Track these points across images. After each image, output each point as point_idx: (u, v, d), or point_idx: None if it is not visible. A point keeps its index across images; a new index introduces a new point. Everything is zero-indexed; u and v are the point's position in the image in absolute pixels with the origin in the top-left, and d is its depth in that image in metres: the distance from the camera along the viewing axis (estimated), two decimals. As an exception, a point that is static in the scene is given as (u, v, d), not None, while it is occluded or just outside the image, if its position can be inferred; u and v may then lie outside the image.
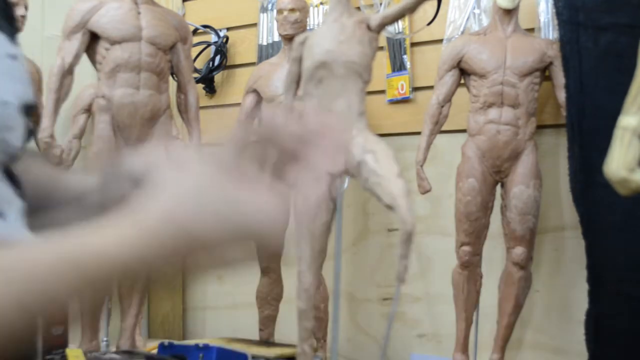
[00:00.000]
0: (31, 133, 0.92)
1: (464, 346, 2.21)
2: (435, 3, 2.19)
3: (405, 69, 2.50)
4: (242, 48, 2.89)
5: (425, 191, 2.19)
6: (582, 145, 1.95)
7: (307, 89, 1.46)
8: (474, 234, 2.16)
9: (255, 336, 2.51)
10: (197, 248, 0.53)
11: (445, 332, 2.42)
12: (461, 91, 2.23)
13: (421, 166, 2.18)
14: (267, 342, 2.43)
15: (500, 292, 2.18)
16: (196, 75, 2.79)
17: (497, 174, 2.15)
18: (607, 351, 1.91)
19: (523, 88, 2.12)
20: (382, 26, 1.45)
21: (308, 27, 2.45)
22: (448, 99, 2.20)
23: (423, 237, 2.48)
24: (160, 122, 2.25)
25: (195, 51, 2.78)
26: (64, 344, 2.10)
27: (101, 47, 2.20)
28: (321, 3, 2.65)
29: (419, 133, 2.23)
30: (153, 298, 3.06)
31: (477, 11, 2.39)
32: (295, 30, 2.34)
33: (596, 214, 1.92)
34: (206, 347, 1.98)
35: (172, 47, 2.30)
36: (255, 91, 2.43)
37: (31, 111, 0.86)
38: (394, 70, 2.53)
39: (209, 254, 0.54)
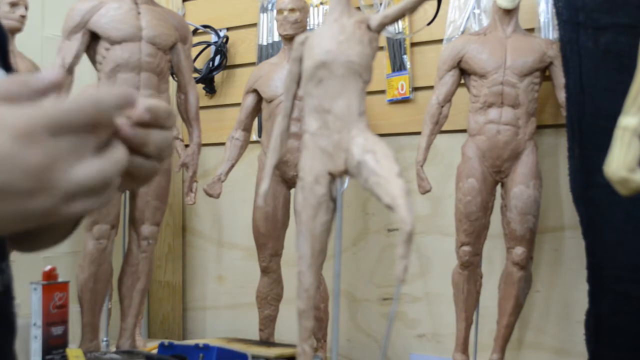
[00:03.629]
0: None
1: (464, 346, 2.21)
2: (435, 3, 2.19)
3: (405, 69, 2.50)
4: (242, 48, 2.89)
5: (425, 191, 2.19)
6: (582, 145, 1.95)
7: (307, 89, 1.46)
8: (474, 234, 2.16)
9: (255, 336, 2.51)
10: None
11: (445, 332, 2.42)
12: (461, 91, 2.23)
13: (421, 166, 2.18)
14: (267, 342, 2.43)
15: (500, 292, 2.18)
16: (196, 75, 2.79)
17: (497, 174, 2.15)
18: (607, 351, 1.91)
19: (523, 88, 2.12)
20: (382, 26, 1.45)
21: (308, 27, 2.45)
22: (448, 99, 2.20)
23: (423, 237, 2.48)
24: (160, 122, 2.25)
25: (195, 51, 2.78)
26: (64, 344, 2.10)
27: (101, 47, 2.20)
28: (321, 3, 2.65)
29: (419, 133, 2.23)
30: (153, 298, 3.06)
31: (477, 11, 2.39)
32: (295, 30, 2.34)
33: (596, 214, 1.91)
34: (206, 347, 1.98)
35: (172, 47, 2.30)
36: (255, 91, 2.43)
37: None
38: (394, 70, 2.53)
39: None
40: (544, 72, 2.16)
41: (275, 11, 2.52)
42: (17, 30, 2.49)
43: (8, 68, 0.97)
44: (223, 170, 2.43)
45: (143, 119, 0.63)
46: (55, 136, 0.53)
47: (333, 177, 1.43)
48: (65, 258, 2.68)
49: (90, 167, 0.55)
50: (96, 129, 0.56)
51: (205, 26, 2.92)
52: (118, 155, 0.58)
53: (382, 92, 2.55)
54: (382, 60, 2.52)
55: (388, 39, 2.51)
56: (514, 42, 2.15)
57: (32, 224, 0.55)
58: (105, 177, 0.56)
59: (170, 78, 2.40)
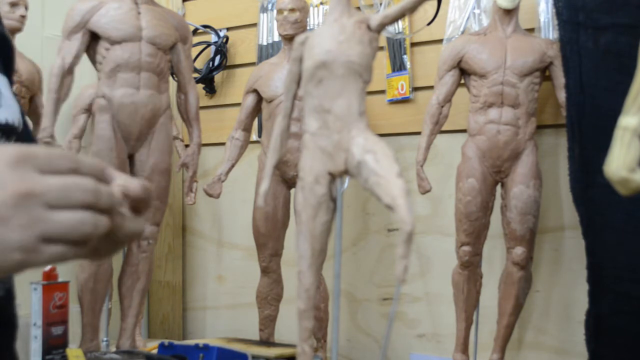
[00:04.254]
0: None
1: (464, 346, 2.21)
2: (435, 3, 2.19)
3: (405, 69, 2.50)
4: (242, 48, 2.89)
5: (425, 191, 2.19)
6: (582, 145, 1.95)
7: (307, 89, 1.46)
8: (474, 234, 2.15)
9: (255, 336, 2.51)
10: None
11: (445, 332, 2.42)
12: (461, 91, 2.23)
13: (421, 166, 2.18)
14: (267, 342, 2.43)
15: (500, 292, 2.18)
16: (196, 75, 2.79)
17: (497, 174, 2.15)
18: (607, 351, 1.91)
19: (523, 88, 2.12)
20: (382, 26, 1.45)
21: (308, 27, 2.45)
22: (448, 99, 2.20)
23: (423, 237, 2.48)
24: (160, 122, 2.25)
25: (195, 51, 2.78)
26: (64, 344, 2.10)
27: (101, 47, 2.20)
28: (321, 3, 2.65)
29: (419, 133, 2.23)
30: (153, 298, 3.06)
31: (477, 11, 2.39)
32: (295, 30, 2.34)
33: (596, 214, 1.91)
34: (206, 347, 1.98)
35: (172, 47, 2.30)
36: (255, 91, 2.43)
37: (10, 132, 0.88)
38: (394, 70, 2.53)
39: None
40: (544, 72, 2.16)
41: (275, 11, 2.52)
42: (17, 30, 2.49)
43: (10, 74, 0.97)
44: (223, 170, 2.43)
45: (139, 196, 0.65)
46: (41, 173, 0.56)
47: (333, 177, 1.43)
48: (65, 258, 2.68)
49: (72, 215, 0.56)
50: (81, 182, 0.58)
51: (205, 26, 2.92)
52: (101, 218, 0.59)
53: (382, 92, 2.55)
54: (382, 60, 2.52)
55: (388, 39, 2.51)
56: (514, 42, 2.15)
57: (9, 264, 0.55)
58: (84, 229, 0.57)
59: (170, 78, 2.40)
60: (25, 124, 1.04)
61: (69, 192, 0.56)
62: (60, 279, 2.11)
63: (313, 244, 1.44)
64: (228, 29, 2.92)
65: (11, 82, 1.01)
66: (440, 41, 2.43)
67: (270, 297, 2.45)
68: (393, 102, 2.54)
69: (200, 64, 2.89)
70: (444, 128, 2.23)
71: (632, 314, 1.86)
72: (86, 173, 0.59)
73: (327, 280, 2.29)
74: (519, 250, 2.12)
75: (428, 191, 2.19)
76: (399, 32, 2.51)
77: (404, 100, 2.52)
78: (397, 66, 2.52)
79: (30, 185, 0.55)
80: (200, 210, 2.99)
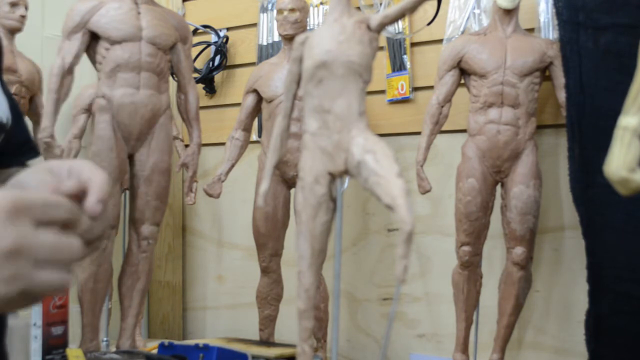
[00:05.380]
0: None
1: (464, 346, 2.21)
2: (435, 3, 2.19)
3: (405, 69, 2.50)
4: (242, 48, 2.89)
5: (425, 191, 2.19)
6: (582, 145, 1.95)
7: (307, 89, 1.46)
8: (474, 234, 2.15)
9: (255, 336, 2.51)
10: None
11: (445, 332, 2.42)
12: (461, 91, 2.23)
13: (421, 166, 2.18)
14: (267, 342, 2.43)
15: (500, 292, 2.18)
16: (196, 75, 2.79)
17: (497, 174, 2.15)
18: (607, 351, 1.91)
19: (523, 88, 2.12)
20: (382, 26, 1.45)
21: (308, 27, 2.45)
22: (448, 99, 2.20)
23: (423, 237, 2.48)
24: (160, 122, 2.25)
25: (195, 51, 2.78)
26: (64, 344, 2.10)
27: (101, 47, 2.20)
28: (321, 3, 2.65)
29: (419, 133, 2.23)
30: (153, 298, 3.06)
31: (477, 11, 2.39)
32: (295, 30, 2.34)
33: (596, 214, 1.92)
34: (206, 347, 1.98)
35: (172, 47, 2.30)
36: (255, 91, 2.43)
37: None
38: (394, 70, 2.53)
39: None
40: (544, 72, 2.16)
41: (275, 11, 2.52)
42: (17, 30, 2.49)
43: None
44: (223, 170, 2.43)
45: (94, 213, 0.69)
46: (37, 224, 0.60)
47: (333, 177, 1.43)
48: (65, 258, 2.67)
49: (55, 275, 0.60)
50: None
51: (205, 26, 2.92)
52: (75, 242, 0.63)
53: (382, 92, 2.55)
54: (382, 60, 2.52)
55: (388, 39, 2.51)
56: (514, 42, 2.15)
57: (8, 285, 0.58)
58: (67, 250, 0.61)
59: (170, 78, 2.40)
60: (19, 117, 1.04)
61: (58, 254, 0.60)
62: (60, 279, 2.11)
63: (313, 244, 1.44)
64: (228, 29, 2.92)
65: (0, 77, 1.00)
66: (440, 41, 2.43)
67: (270, 297, 2.45)
68: (393, 102, 2.54)
69: (200, 64, 2.89)
70: (444, 128, 2.23)
71: (632, 314, 1.86)
72: (80, 220, 0.63)
73: (327, 280, 2.29)
74: (519, 250, 2.12)
75: (428, 191, 2.19)
76: (399, 32, 2.51)
77: (404, 100, 2.52)
78: (397, 66, 2.52)
79: (22, 242, 0.58)
80: (200, 210, 2.99)
